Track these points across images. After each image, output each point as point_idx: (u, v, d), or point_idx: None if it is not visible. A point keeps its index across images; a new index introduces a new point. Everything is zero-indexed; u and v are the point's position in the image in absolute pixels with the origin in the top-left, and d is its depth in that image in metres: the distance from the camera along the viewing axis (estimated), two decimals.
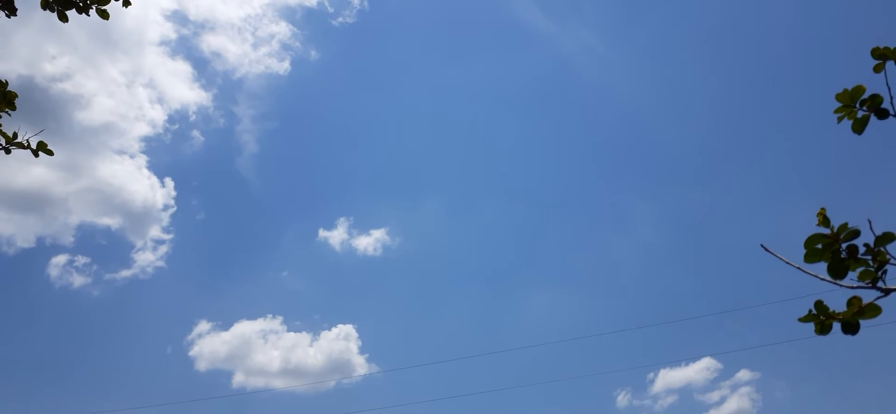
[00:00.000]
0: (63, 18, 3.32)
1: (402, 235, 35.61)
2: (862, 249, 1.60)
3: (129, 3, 3.39)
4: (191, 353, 30.31)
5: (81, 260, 31.55)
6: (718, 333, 31.29)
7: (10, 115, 3.44)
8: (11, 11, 3.19)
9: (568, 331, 34.12)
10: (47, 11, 3.25)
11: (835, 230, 1.58)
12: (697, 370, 27.87)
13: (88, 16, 3.36)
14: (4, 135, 3.35)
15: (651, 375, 28.15)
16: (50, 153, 3.81)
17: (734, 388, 28.17)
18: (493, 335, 34.44)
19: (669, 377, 28.03)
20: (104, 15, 3.40)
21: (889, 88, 1.73)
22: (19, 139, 3.48)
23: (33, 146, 3.68)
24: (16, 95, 3.38)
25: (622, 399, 28.22)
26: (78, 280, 31.13)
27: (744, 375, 27.72)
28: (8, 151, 3.57)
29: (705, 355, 28.19)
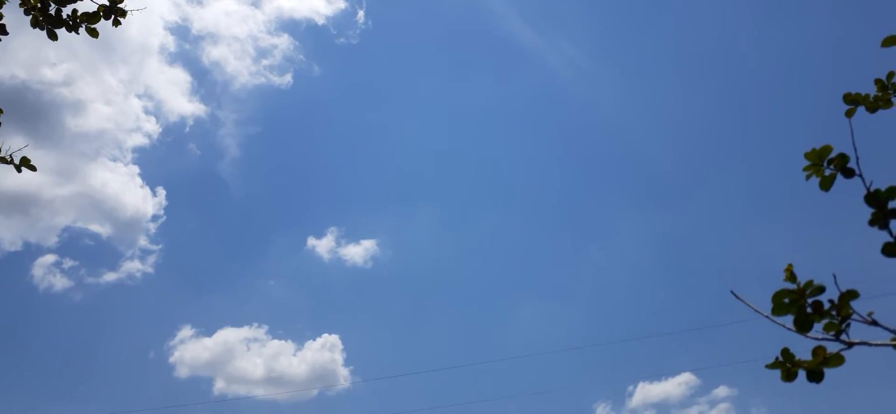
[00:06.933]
0: (53, 36, 3.33)
1: (392, 247, 35.59)
2: (826, 304, 1.66)
3: (119, 23, 3.40)
4: (171, 359, 29.94)
5: (67, 263, 31.05)
6: (698, 349, 31.54)
7: None
8: (2, 31, 3.19)
9: (551, 343, 34.25)
10: (37, 29, 3.25)
11: (801, 286, 1.64)
12: (676, 385, 28.01)
13: (78, 34, 3.37)
14: None
15: (631, 388, 28.29)
16: (33, 169, 3.79)
17: (712, 404, 28.35)
18: (476, 348, 34.50)
19: (648, 391, 28.16)
20: (94, 33, 3.41)
21: (855, 148, 1.81)
22: (3, 154, 3.46)
23: (16, 162, 3.66)
24: (0, 111, 3.38)
25: (601, 412, 28.31)
26: (61, 283, 30.62)
27: (722, 391, 27.92)
28: None
29: (685, 370, 28.34)
